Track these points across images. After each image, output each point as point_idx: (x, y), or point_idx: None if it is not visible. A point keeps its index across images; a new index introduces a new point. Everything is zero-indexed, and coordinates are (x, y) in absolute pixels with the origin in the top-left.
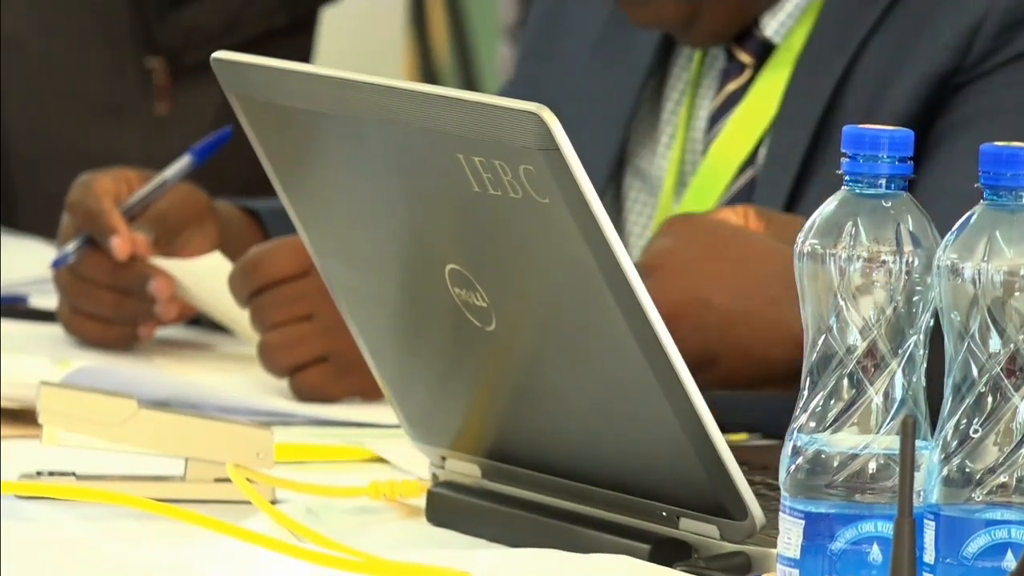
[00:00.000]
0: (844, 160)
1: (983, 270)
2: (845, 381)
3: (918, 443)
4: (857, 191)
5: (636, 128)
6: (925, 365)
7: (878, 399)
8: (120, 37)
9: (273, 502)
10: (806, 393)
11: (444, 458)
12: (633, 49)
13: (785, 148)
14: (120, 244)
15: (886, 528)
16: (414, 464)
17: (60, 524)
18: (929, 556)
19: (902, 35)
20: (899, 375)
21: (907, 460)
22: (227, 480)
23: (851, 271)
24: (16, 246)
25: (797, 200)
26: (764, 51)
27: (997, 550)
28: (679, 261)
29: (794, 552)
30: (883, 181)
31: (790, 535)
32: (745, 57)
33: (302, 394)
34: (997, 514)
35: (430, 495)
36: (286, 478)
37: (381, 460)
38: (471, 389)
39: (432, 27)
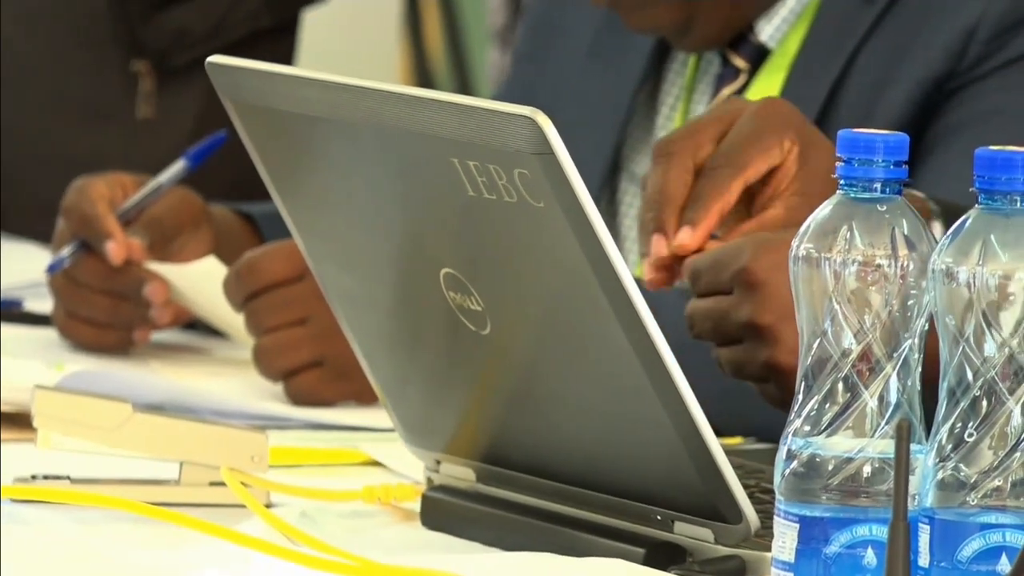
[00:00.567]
0: (839, 164)
1: (978, 274)
2: (840, 385)
3: (913, 447)
4: (852, 195)
5: (631, 132)
6: (920, 369)
7: (873, 403)
8: (105, 40)
9: (268, 506)
10: (801, 397)
11: (439, 462)
12: (628, 53)
13: None
14: (115, 249)
15: (881, 532)
16: (409, 467)
17: (54, 528)
18: (924, 560)
19: (896, 40)
20: (894, 379)
21: (902, 464)
22: (222, 484)
23: (846, 275)
24: (10, 250)
25: None
26: (759, 56)
27: (992, 554)
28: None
29: (788, 556)
30: (878, 185)
31: (785, 539)
32: (740, 62)
33: (297, 398)
34: (992, 518)
35: (424, 499)
36: (280, 482)
37: (375, 464)
38: (466, 393)
39: (426, 31)
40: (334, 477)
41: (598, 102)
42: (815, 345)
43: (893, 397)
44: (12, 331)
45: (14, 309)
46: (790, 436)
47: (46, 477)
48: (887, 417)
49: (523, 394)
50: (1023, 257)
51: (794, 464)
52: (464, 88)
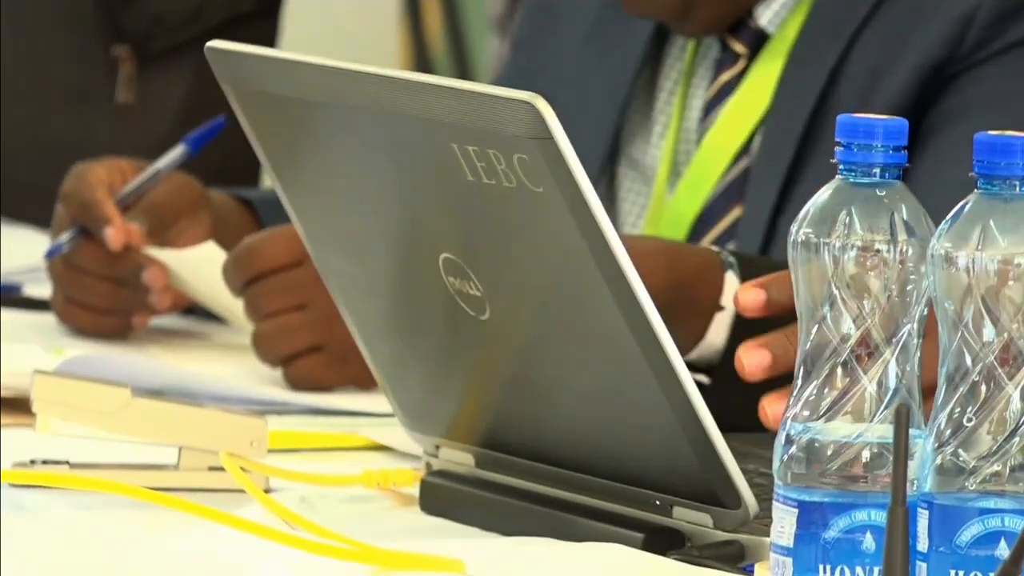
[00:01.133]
0: (838, 149)
1: (977, 259)
2: (839, 370)
3: (911, 432)
4: (851, 180)
5: (630, 118)
6: (919, 354)
7: (872, 388)
8: (86, 25)
9: (267, 490)
10: (800, 382)
11: (438, 447)
12: (627, 38)
13: (779, 138)
14: (114, 234)
15: (879, 517)
16: (412, 446)
17: (53, 512)
18: (922, 544)
19: (896, 25)
20: (893, 364)
21: (900, 449)
22: (221, 469)
23: (845, 260)
24: (9, 234)
25: (791, 190)
26: (758, 41)
27: (990, 538)
28: None
29: (787, 541)
30: (877, 170)
31: (783, 524)
32: (739, 47)
33: (296, 383)
34: (990, 503)
35: (424, 484)
36: (280, 467)
37: (375, 448)
38: (465, 378)
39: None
40: (333, 462)
41: (597, 87)
42: (814, 330)
43: (892, 382)
44: (11, 316)
45: (13, 294)
46: (789, 421)
47: (45, 462)
48: (886, 402)
49: (522, 379)
50: (1022, 242)
51: (793, 449)
52: (464, 74)
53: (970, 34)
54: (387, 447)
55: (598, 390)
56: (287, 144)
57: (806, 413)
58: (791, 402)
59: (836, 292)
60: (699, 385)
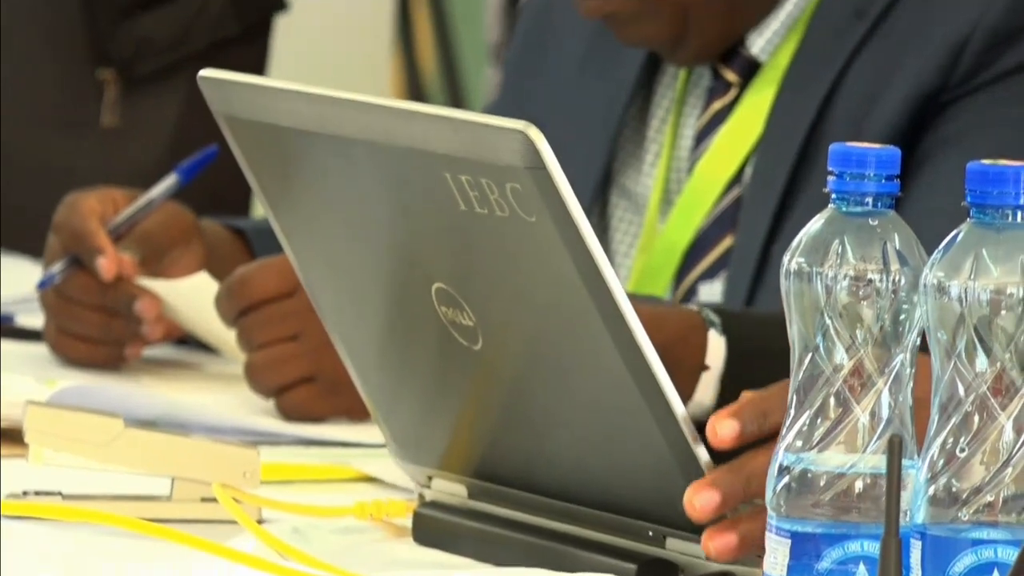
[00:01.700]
0: (831, 178)
1: (970, 288)
2: (832, 400)
3: (904, 462)
4: (844, 209)
5: (622, 146)
6: (911, 384)
7: (864, 418)
8: (72, 49)
9: (259, 522)
10: (792, 412)
11: (430, 478)
12: (619, 66)
13: (771, 167)
14: (106, 264)
15: (872, 548)
16: (404, 477)
17: (46, 544)
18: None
19: (888, 53)
20: (886, 394)
21: (893, 479)
22: (213, 500)
23: (838, 290)
24: (3, 264)
25: (783, 218)
26: (750, 69)
27: (983, 570)
28: None
29: (780, 572)
30: (870, 199)
31: (776, 555)
32: (731, 75)
33: (288, 414)
34: (983, 533)
35: (416, 515)
36: (272, 498)
37: (367, 480)
38: (458, 408)
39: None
40: (326, 493)
41: (589, 115)
42: (807, 360)
43: (885, 412)
44: (4, 346)
45: (6, 324)
46: (782, 451)
47: (38, 493)
48: (879, 432)
49: (515, 409)
50: (1015, 272)
51: (786, 479)
52: (456, 103)
53: (962, 62)
54: (380, 480)
55: (591, 420)
56: (280, 173)
57: (799, 443)
58: (783, 432)
59: (829, 322)
60: None
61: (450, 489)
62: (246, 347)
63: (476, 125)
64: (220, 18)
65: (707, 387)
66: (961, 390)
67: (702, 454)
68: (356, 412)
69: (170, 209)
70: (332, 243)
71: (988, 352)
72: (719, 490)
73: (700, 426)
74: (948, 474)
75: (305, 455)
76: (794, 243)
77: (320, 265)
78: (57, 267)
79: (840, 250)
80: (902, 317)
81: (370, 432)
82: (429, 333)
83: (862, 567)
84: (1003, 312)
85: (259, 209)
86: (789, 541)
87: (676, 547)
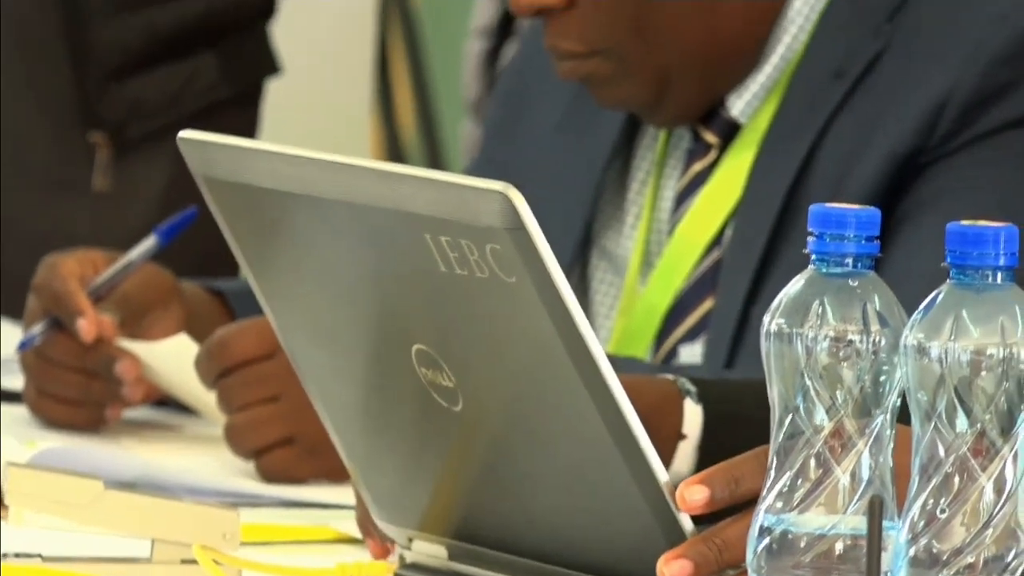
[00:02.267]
0: (811, 239)
1: (950, 349)
2: (812, 461)
3: (885, 523)
4: (824, 270)
5: (602, 208)
6: (892, 445)
7: (845, 479)
8: (63, 112)
9: None
10: (773, 473)
11: (411, 539)
12: (598, 127)
13: (751, 229)
14: (86, 326)
15: None
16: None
17: None
18: None
19: (867, 115)
20: (866, 455)
21: (874, 540)
22: (194, 561)
23: (818, 351)
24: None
25: (763, 280)
26: (730, 131)
27: None
28: None
29: None
30: (850, 260)
31: None
32: (711, 137)
33: (268, 475)
34: None
35: None
36: (252, 559)
37: (348, 541)
38: (438, 470)
39: (398, 106)
40: (306, 555)
41: (569, 176)
42: (787, 421)
43: (865, 473)
44: None
45: None
46: (762, 512)
47: (18, 555)
48: (859, 493)
49: (496, 470)
50: (995, 333)
51: (766, 541)
52: (436, 162)
53: (941, 123)
54: (360, 539)
55: (572, 481)
56: (260, 234)
57: (779, 504)
58: (764, 493)
59: (809, 383)
60: None
61: (431, 551)
62: (226, 409)
63: (456, 186)
64: (212, 82)
65: (685, 456)
66: (941, 451)
67: (685, 521)
68: (336, 473)
69: (149, 271)
70: (312, 304)
71: (968, 413)
72: (691, 560)
73: None
74: (929, 535)
75: (285, 516)
76: (774, 304)
77: (300, 326)
78: (37, 328)
79: (820, 311)
80: (882, 378)
81: (350, 493)
82: (409, 394)
83: None
84: (983, 373)
85: None
86: None
87: None
